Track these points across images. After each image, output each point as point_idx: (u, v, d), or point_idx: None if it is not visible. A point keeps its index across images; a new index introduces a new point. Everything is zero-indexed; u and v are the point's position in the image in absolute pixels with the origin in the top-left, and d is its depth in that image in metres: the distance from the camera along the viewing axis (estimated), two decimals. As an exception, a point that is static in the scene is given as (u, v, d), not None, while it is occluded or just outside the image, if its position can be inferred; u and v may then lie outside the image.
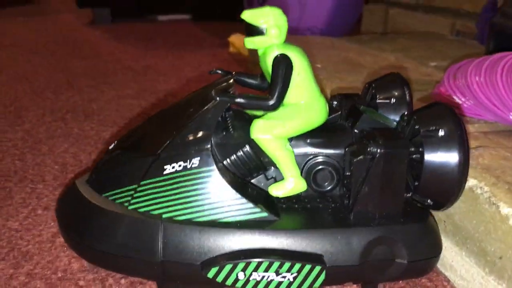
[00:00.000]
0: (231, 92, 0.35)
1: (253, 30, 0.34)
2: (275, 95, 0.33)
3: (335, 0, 1.13)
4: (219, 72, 0.39)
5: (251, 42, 0.34)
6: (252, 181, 0.37)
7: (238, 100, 0.33)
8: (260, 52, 0.35)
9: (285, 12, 0.35)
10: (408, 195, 0.34)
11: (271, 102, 0.33)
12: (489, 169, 0.36)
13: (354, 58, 0.83)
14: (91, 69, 1.08)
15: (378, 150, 0.32)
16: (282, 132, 0.34)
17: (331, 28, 1.16)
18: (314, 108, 0.35)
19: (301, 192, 0.36)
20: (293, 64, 0.34)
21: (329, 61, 0.80)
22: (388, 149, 0.32)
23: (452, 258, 0.37)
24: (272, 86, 0.33)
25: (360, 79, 0.68)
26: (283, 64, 0.33)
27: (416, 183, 0.33)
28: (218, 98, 0.34)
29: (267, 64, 0.34)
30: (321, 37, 1.08)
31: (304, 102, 0.35)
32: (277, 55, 0.34)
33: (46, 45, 1.42)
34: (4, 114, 0.76)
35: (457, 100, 0.51)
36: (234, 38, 1.26)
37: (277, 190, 0.35)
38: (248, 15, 0.34)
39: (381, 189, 0.33)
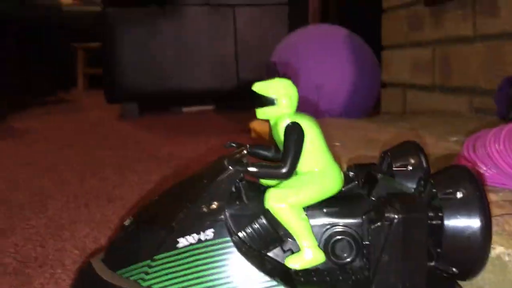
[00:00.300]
0: (244, 162, 0.35)
1: (264, 101, 0.35)
2: (288, 163, 0.33)
3: (352, 84, 1.17)
4: (233, 145, 0.39)
5: (262, 113, 0.35)
6: (269, 253, 0.36)
7: (251, 169, 0.34)
8: (271, 122, 0.36)
9: (303, 96, 0.37)
10: (431, 263, 0.32)
11: (284, 170, 0.33)
12: (516, 235, 0.35)
13: (373, 136, 0.83)
14: (116, 158, 1.11)
15: (395, 216, 0.31)
16: (296, 200, 0.34)
17: (348, 111, 1.18)
18: (328, 175, 0.35)
19: (319, 264, 0.35)
20: (305, 132, 0.34)
21: (347, 139, 0.80)
22: (405, 214, 0.31)
23: (487, 334, 0.35)
24: (285, 154, 0.33)
25: (378, 154, 0.68)
26: (294, 132, 0.34)
27: (438, 250, 0.32)
28: (231, 168, 0.34)
29: (279, 134, 0.35)
30: (340, 118, 1.09)
31: (318, 170, 0.35)
32: (289, 124, 0.34)
33: (75, 139, 1.48)
34: (30, 202, 0.78)
35: (478, 170, 0.50)
36: (255, 124, 1.29)
37: (294, 262, 0.34)
38: (259, 87, 0.35)
39: (401, 257, 0.31)
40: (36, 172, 1.00)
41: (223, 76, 1.89)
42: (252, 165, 0.34)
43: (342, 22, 1.48)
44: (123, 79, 1.84)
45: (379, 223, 0.32)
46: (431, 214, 0.32)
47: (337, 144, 0.76)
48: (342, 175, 0.36)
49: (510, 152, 0.48)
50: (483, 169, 0.50)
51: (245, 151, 0.37)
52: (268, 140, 1.18)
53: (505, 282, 0.32)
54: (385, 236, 0.31)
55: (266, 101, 0.35)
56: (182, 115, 1.96)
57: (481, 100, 1.04)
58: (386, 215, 0.31)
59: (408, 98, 1.35)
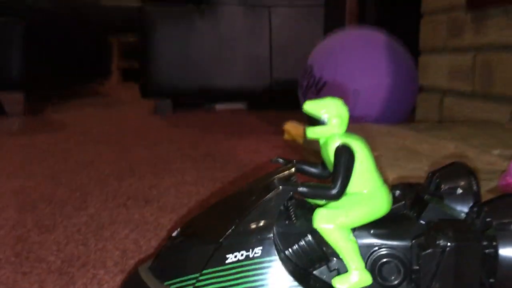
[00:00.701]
0: (293, 181, 0.35)
1: (314, 121, 0.35)
2: (338, 185, 0.33)
3: (390, 89, 1.15)
4: (280, 160, 0.39)
5: (312, 132, 0.35)
6: (314, 272, 0.36)
7: (301, 189, 0.34)
8: (321, 142, 0.36)
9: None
10: (483, 293, 0.32)
11: (334, 192, 0.33)
12: None
13: (412, 146, 0.82)
14: (152, 157, 1.13)
15: (448, 244, 0.30)
16: (345, 221, 0.34)
17: (385, 117, 1.17)
18: (377, 197, 0.35)
19: (366, 286, 0.35)
20: (355, 154, 0.34)
21: (386, 148, 0.80)
22: (459, 242, 0.30)
23: None
24: (335, 176, 0.33)
25: (420, 167, 0.67)
26: (345, 154, 0.34)
27: (492, 280, 0.31)
28: (281, 187, 0.34)
29: (329, 154, 0.35)
30: (377, 124, 1.08)
31: (367, 191, 0.34)
32: (339, 145, 0.34)
33: (111, 133, 1.51)
34: (71, 199, 0.80)
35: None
36: (289, 126, 1.29)
37: (341, 284, 0.34)
38: (310, 106, 0.35)
39: (453, 285, 0.31)
40: (75, 168, 1.03)
41: (257, 75, 1.90)
42: (302, 185, 0.34)
43: (380, 23, 1.46)
44: (158, 75, 1.87)
45: (430, 250, 0.31)
46: (485, 243, 0.31)
47: (375, 153, 0.75)
48: (391, 196, 0.36)
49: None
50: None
51: (293, 169, 0.37)
52: (301, 144, 1.18)
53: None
54: (437, 263, 0.31)
55: (317, 121, 0.35)
56: (214, 113, 1.97)
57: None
58: (438, 242, 0.31)
59: (445, 104, 1.32)
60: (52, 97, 2.39)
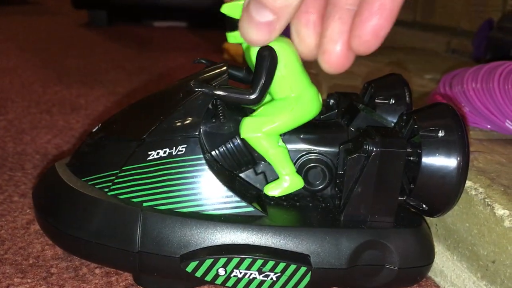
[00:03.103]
0: (212, 83, 0.33)
1: (234, 24, 0.31)
2: (257, 89, 0.31)
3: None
4: (203, 61, 0.37)
5: (233, 36, 0.32)
6: (241, 175, 0.35)
7: (217, 92, 0.31)
8: (244, 46, 0.33)
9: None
10: (402, 198, 0.32)
11: (252, 96, 0.31)
12: (484, 172, 0.35)
13: (349, 68, 0.82)
14: (83, 67, 1.07)
15: (374, 149, 0.30)
16: (272, 129, 0.32)
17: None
18: (305, 100, 0.33)
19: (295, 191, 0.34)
20: (279, 57, 0.31)
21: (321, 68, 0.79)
22: (384, 148, 0.30)
23: (443, 263, 0.36)
24: (255, 80, 0.31)
25: (356, 85, 0.67)
26: (267, 57, 0.30)
27: (412, 186, 0.31)
28: (196, 89, 0.32)
29: (252, 58, 0.32)
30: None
31: (295, 95, 0.32)
32: (261, 47, 0.31)
33: (39, 42, 1.40)
34: (-11, 104, 0.74)
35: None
36: (229, 45, 1.26)
37: (273, 190, 0.33)
38: (227, 8, 0.31)
39: (374, 190, 0.31)
40: (-4, 73, 0.95)
41: (199, -9, 1.80)
42: (219, 88, 0.31)
43: None
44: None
45: (355, 155, 0.31)
46: (409, 150, 0.31)
47: (312, 71, 0.74)
48: (320, 97, 0.35)
49: (486, 91, 0.48)
50: (456, 107, 0.50)
51: (224, 68, 0.35)
52: (240, 63, 1.15)
53: (468, 214, 0.33)
54: (361, 168, 0.31)
55: (236, 24, 0.31)
56: (153, 29, 1.88)
57: (459, 41, 1.04)
58: (365, 147, 0.31)
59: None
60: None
